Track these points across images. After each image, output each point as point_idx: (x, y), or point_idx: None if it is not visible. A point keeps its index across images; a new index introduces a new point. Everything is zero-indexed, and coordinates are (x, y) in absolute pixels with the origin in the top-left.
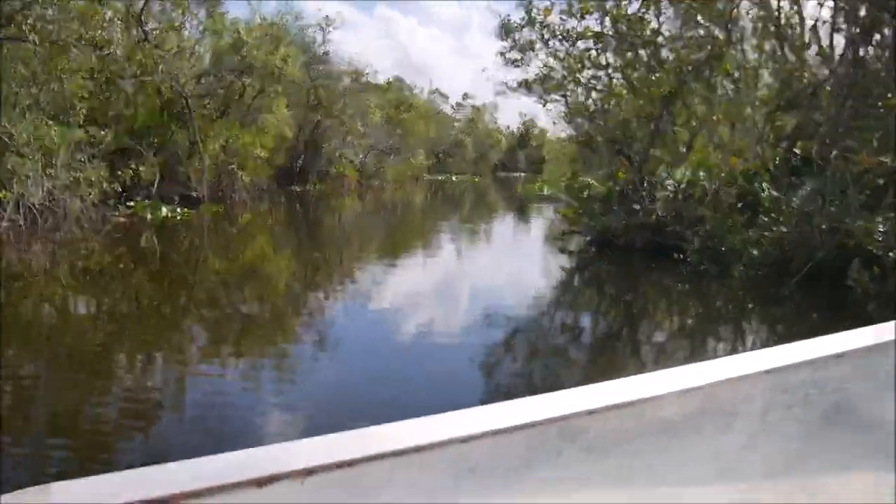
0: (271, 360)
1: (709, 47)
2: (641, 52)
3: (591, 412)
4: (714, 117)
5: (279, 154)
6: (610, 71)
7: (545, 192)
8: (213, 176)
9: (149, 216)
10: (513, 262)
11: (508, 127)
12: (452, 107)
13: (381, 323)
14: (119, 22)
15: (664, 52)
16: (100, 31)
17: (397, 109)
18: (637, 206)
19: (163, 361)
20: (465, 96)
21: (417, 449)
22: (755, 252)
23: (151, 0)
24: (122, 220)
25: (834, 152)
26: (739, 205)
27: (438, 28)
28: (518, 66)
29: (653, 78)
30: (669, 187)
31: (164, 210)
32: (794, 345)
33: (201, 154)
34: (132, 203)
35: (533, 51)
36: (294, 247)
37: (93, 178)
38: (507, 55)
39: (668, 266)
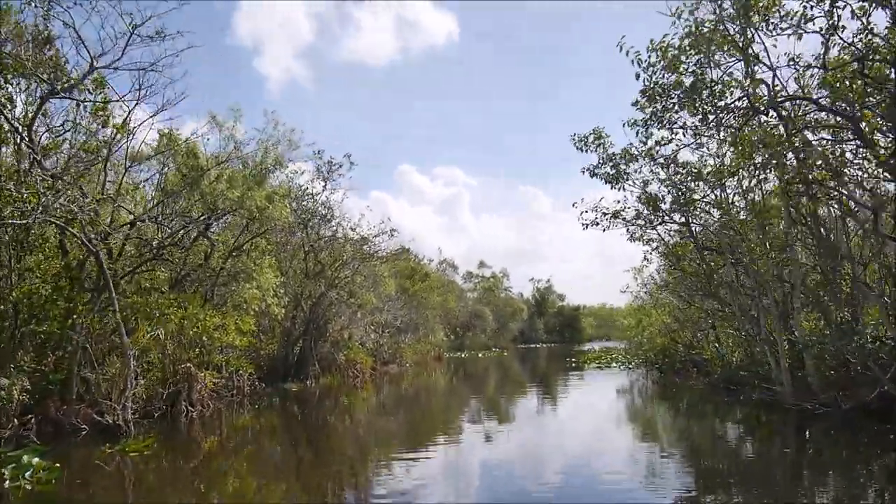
0: None
1: None
2: None
3: None
4: None
5: (268, 340)
6: None
7: (622, 363)
8: (156, 383)
9: None
10: None
11: (522, 294)
12: (462, 277)
13: None
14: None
15: None
16: None
17: (411, 279)
18: None
19: None
20: (481, 264)
21: None
22: None
23: (51, 101)
24: None
25: None
26: None
27: (429, 207)
28: (613, 184)
29: None
30: None
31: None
32: None
33: (128, 350)
34: None
35: (632, 162)
36: (290, 473)
37: None
38: (598, 171)
39: None
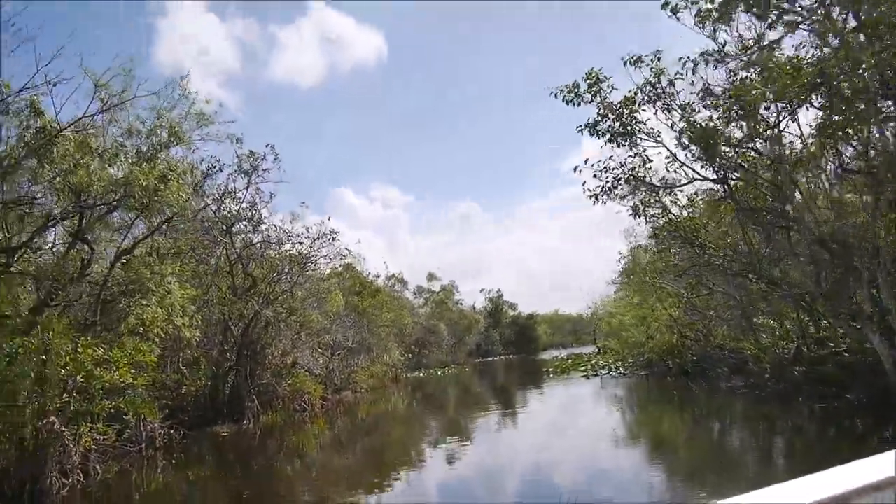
0: None
1: None
2: None
3: None
4: None
5: (193, 375)
6: None
7: (616, 369)
8: None
9: None
10: None
11: (474, 307)
12: (413, 292)
13: None
14: None
15: None
16: None
17: (360, 296)
18: None
19: None
20: (431, 276)
21: None
22: None
23: None
24: None
25: None
26: None
27: (368, 230)
28: (617, 142)
29: None
30: None
31: None
32: None
33: None
34: None
35: (635, 110)
36: None
37: None
38: (600, 125)
39: None
